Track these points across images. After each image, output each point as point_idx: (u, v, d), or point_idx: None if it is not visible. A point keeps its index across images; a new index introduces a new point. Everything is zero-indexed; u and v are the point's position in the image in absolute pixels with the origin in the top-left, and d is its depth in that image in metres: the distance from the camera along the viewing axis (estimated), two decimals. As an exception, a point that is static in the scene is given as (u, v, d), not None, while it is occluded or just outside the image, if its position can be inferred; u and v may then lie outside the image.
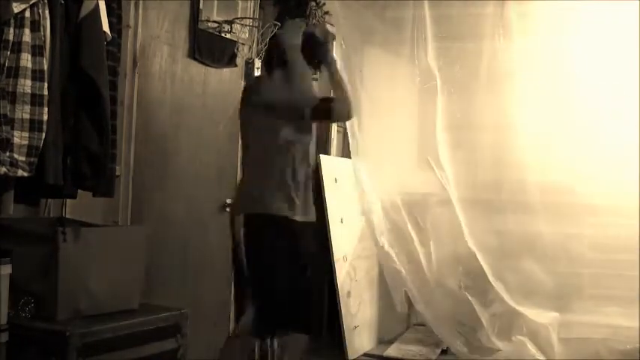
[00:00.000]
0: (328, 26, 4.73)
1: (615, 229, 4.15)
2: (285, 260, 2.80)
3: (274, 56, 2.96)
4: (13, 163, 2.26)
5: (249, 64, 3.99)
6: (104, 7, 2.57)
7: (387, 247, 4.46)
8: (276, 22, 4.11)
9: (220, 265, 3.93)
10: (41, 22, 2.30)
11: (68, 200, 2.79)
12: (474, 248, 4.32)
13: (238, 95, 3.97)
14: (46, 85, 2.31)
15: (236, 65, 3.90)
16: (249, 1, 4.00)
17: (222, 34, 3.75)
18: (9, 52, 2.24)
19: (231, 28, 3.77)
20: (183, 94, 3.57)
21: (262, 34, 4.07)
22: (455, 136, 4.40)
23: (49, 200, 2.78)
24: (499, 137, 4.38)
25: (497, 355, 4.34)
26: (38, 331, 2.29)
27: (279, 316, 2.81)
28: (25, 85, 2.27)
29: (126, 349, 2.44)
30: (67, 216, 2.80)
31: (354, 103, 5.16)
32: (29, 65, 2.27)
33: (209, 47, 3.67)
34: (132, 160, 3.21)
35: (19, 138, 2.27)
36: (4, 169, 2.24)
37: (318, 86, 4.84)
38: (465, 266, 4.41)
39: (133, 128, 3.22)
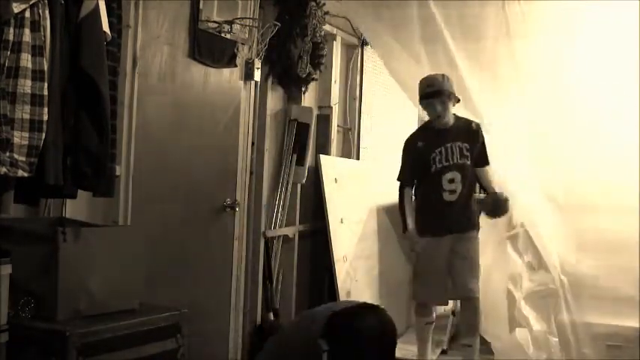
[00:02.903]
0: (328, 26, 4.74)
1: (615, 229, 4.15)
2: None
3: None
4: (13, 164, 2.26)
5: (249, 64, 3.98)
6: (104, 7, 2.57)
7: None
8: (276, 23, 4.11)
9: (220, 265, 3.94)
10: (41, 22, 2.30)
11: (68, 200, 2.79)
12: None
13: (238, 95, 4.00)
14: (46, 85, 2.31)
15: (236, 65, 3.90)
16: (249, 1, 3.99)
17: (222, 34, 3.75)
18: (9, 52, 2.24)
19: (231, 28, 3.77)
20: (183, 94, 3.57)
21: (262, 34, 4.07)
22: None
23: (49, 200, 2.78)
24: (499, 137, 4.38)
25: (496, 355, 4.35)
26: (38, 331, 2.29)
27: None
28: (25, 85, 2.26)
29: (126, 349, 2.43)
30: (67, 216, 2.80)
31: (355, 104, 5.21)
32: (29, 65, 2.27)
33: (209, 47, 3.67)
34: (132, 160, 3.21)
35: (19, 138, 2.26)
36: (4, 169, 2.24)
37: (317, 86, 4.88)
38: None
39: (133, 128, 3.21)
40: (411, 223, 4.14)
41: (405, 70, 4.57)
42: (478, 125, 4.20)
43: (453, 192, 4.07)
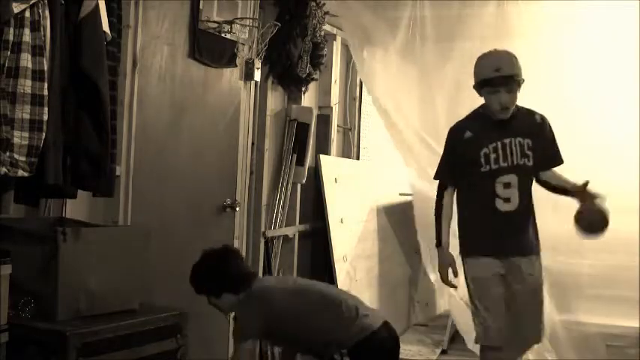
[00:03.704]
0: (328, 26, 4.74)
1: (615, 229, 4.14)
2: None
3: None
4: (14, 163, 2.26)
5: (249, 64, 3.99)
6: (104, 7, 2.57)
7: None
8: (276, 23, 4.11)
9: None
10: (41, 22, 2.30)
11: (68, 200, 2.79)
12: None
13: (238, 95, 4.00)
14: (46, 85, 2.31)
15: (236, 65, 3.90)
16: (249, 1, 4.00)
17: (222, 34, 3.75)
18: (9, 52, 2.24)
19: (231, 28, 3.77)
20: (183, 94, 3.58)
21: (262, 34, 4.07)
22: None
23: (49, 200, 2.78)
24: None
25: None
26: (38, 331, 2.29)
27: None
28: (25, 85, 2.26)
29: (126, 349, 2.44)
30: (67, 216, 2.80)
31: (355, 104, 5.18)
32: (29, 65, 2.27)
33: (209, 47, 3.67)
34: (132, 160, 3.21)
35: (19, 138, 2.27)
36: (4, 169, 2.24)
37: (317, 86, 4.88)
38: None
39: (133, 128, 3.22)
40: (445, 237, 3.31)
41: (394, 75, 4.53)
42: (544, 118, 3.37)
43: (508, 200, 3.21)
